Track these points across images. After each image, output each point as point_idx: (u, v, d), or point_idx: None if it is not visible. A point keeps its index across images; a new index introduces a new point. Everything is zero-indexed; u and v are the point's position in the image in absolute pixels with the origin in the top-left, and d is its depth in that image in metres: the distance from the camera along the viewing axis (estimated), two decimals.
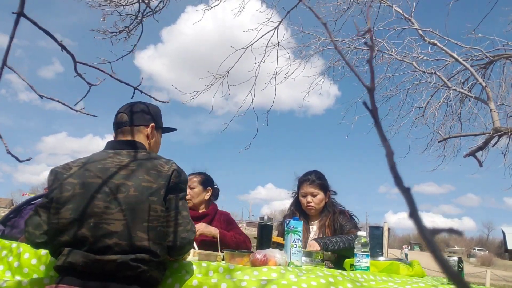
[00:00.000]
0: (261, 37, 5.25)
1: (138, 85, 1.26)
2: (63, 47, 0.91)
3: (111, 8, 4.98)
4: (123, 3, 4.97)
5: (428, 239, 0.33)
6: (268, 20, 5.19)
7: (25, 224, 1.55)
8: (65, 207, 1.46)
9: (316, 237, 2.58)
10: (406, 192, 0.36)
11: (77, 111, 1.17)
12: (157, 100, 1.45)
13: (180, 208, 1.54)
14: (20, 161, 0.94)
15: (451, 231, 0.34)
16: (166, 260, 1.56)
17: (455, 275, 0.32)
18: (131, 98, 1.33)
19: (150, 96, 1.36)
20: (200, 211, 2.77)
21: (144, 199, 1.47)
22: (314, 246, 2.35)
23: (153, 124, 1.77)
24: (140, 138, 1.73)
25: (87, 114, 1.51)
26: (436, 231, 0.34)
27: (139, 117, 1.75)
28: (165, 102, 1.59)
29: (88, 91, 1.19)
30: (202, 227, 2.48)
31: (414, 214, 0.35)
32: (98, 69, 1.13)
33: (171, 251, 1.53)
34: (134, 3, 4.97)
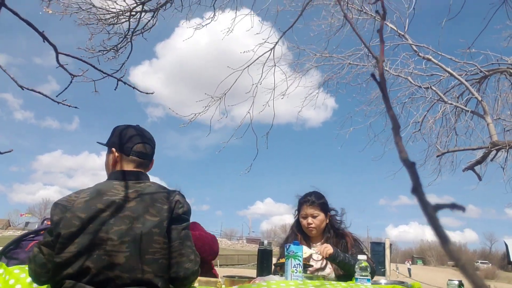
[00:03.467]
0: (257, 58, 5.30)
1: (122, 77, 1.25)
2: (44, 38, 0.91)
3: (99, 27, 4.97)
4: (113, 22, 4.98)
5: (430, 215, 0.33)
6: (265, 41, 5.25)
7: (29, 261, 1.54)
8: (72, 242, 1.44)
9: (318, 258, 2.54)
10: (411, 167, 0.36)
11: (58, 102, 1.16)
12: (141, 91, 1.44)
13: (183, 238, 1.53)
14: (1, 153, 0.93)
15: (453, 206, 0.33)
16: None
17: (454, 252, 0.32)
18: (115, 89, 1.30)
19: (134, 88, 1.36)
20: None
21: (148, 231, 1.46)
22: (327, 247, 2.35)
23: (153, 159, 1.80)
24: (145, 169, 1.73)
25: (69, 106, 1.50)
26: (438, 206, 0.33)
27: (153, 152, 1.77)
28: (149, 93, 1.58)
29: (71, 82, 1.19)
30: None
31: (417, 190, 0.34)
32: (81, 60, 1.12)
33: (176, 282, 1.52)
34: (123, 22, 4.98)
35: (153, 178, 1.71)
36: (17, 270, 1.74)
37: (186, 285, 1.56)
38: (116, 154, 1.70)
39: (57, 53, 0.99)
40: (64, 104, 1.25)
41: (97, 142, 1.79)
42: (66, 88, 1.23)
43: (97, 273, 1.41)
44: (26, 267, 1.62)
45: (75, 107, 1.63)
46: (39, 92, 1.07)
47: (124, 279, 1.42)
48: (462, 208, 0.33)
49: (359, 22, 6.22)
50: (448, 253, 0.32)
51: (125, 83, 1.27)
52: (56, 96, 1.16)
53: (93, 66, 1.19)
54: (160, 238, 1.47)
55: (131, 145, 1.69)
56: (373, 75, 0.44)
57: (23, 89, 1.01)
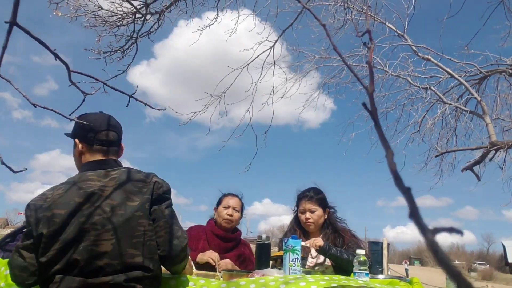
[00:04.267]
0: (257, 56, 5.31)
1: (133, 93, 1.25)
2: (56, 56, 0.91)
3: (106, 29, 5.03)
4: (118, 24, 5.03)
5: (429, 239, 0.33)
6: (265, 39, 5.27)
7: (9, 266, 1.50)
8: (55, 239, 1.43)
9: (316, 254, 2.56)
10: (407, 193, 0.36)
11: (71, 119, 1.16)
12: (153, 108, 1.44)
13: (167, 216, 1.53)
14: (15, 172, 0.92)
15: (451, 230, 0.34)
16: (159, 275, 1.55)
17: (457, 275, 0.32)
18: (126, 106, 1.32)
19: (145, 104, 1.36)
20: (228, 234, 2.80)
21: (130, 215, 1.47)
22: (316, 239, 2.37)
23: (122, 143, 1.75)
24: (115, 156, 1.69)
25: (82, 123, 1.51)
26: (437, 230, 0.33)
27: (120, 137, 1.72)
28: (162, 109, 1.58)
29: (83, 100, 1.19)
30: (229, 266, 2.48)
31: (414, 214, 0.35)
32: (92, 77, 1.13)
33: (166, 261, 1.52)
34: (129, 24, 5.03)
35: None
36: None
37: (177, 262, 1.55)
38: (80, 145, 1.65)
39: (69, 71, 1.00)
40: (78, 121, 1.24)
41: (65, 134, 1.74)
42: (78, 107, 1.23)
43: (86, 264, 1.40)
44: None
45: (91, 125, 1.62)
46: (52, 110, 1.07)
47: (114, 266, 1.41)
48: (460, 232, 0.34)
49: (359, 22, 6.24)
50: (451, 276, 0.32)
51: (136, 99, 1.27)
52: (69, 115, 1.17)
53: (106, 84, 1.19)
54: (144, 220, 1.48)
55: (93, 134, 1.63)
56: (364, 105, 0.44)
57: (35, 107, 1.02)
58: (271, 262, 2.36)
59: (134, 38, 4.99)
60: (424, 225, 0.34)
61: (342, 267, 2.32)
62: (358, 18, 6.15)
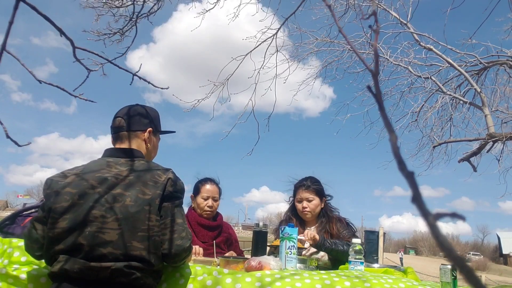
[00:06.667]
0: (259, 44, 5.26)
1: (137, 72, 1.24)
2: (61, 32, 0.91)
3: (105, 9, 4.96)
4: (118, 5, 4.96)
5: (431, 224, 0.33)
6: (268, 28, 5.22)
7: (24, 237, 1.55)
8: (63, 217, 1.45)
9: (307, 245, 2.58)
10: (410, 177, 0.36)
11: (76, 96, 1.16)
12: (155, 86, 1.42)
13: (175, 215, 1.53)
14: (19, 146, 0.94)
15: (454, 215, 0.33)
16: (161, 269, 1.56)
17: (458, 259, 0.32)
18: (130, 84, 1.31)
19: (149, 83, 1.34)
20: (213, 222, 2.80)
21: (140, 208, 1.47)
22: (312, 233, 2.37)
23: (150, 128, 1.75)
24: (138, 143, 1.71)
25: (86, 100, 1.50)
26: (439, 215, 0.33)
27: (136, 122, 1.73)
28: (164, 88, 1.56)
29: (87, 76, 1.19)
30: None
31: (417, 199, 0.34)
32: (97, 54, 1.12)
33: (167, 259, 1.53)
34: (129, 5, 4.96)
35: None
36: (15, 240, 1.76)
37: (178, 262, 1.57)
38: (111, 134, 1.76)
39: (74, 47, 0.99)
40: (81, 98, 1.24)
41: None
42: (83, 83, 1.23)
43: (90, 250, 1.42)
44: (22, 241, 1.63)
45: (92, 101, 1.63)
46: (57, 86, 1.07)
47: (117, 255, 1.43)
48: (462, 218, 0.33)
49: (363, 7, 6.16)
50: (451, 259, 0.32)
51: (140, 77, 1.26)
52: (73, 90, 1.17)
53: (110, 61, 1.18)
54: (152, 215, 1.48)
55: (111, 125, 1.75)
56: (369, 87, 0.43)
57: (40, 83, 1.01)
58: (269, 250, 2.38)
59: (134, 20, 4.93)
60: (426, 209, 0.34)
61: (338, 258, 2.34)
62: (361, 3, 6.08)
